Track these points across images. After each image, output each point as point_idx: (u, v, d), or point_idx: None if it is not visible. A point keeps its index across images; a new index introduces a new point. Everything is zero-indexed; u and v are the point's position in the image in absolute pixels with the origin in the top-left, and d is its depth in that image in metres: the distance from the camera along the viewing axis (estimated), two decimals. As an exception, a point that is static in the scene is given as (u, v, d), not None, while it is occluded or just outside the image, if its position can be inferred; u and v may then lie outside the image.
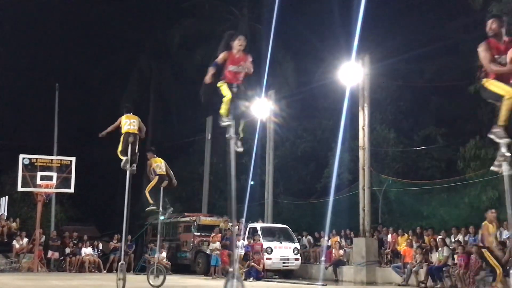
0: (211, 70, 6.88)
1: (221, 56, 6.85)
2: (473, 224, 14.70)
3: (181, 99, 29.21)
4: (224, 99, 6.80)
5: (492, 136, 5.62)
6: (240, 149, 6.95)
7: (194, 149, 27.34)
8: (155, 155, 11.62)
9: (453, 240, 14.29)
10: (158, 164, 11.38)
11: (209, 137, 24.17)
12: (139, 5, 29.82)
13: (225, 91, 6.79)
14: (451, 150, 19.50)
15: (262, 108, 19.37)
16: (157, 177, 11.24)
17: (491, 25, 5.94)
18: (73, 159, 19.38)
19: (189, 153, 27.81)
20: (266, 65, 18.26)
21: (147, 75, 30.75)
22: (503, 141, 5.45)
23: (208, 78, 6.92)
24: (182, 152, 27.30)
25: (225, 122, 6.80)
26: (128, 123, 10.27)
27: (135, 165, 10.08)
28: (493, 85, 5.63)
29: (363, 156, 16.24)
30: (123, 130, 10.22)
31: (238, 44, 6.81)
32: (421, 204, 18.64)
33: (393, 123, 21.43)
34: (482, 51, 5.69)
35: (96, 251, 19.70)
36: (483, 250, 11.75)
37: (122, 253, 11.09)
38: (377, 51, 18.64)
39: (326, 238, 18.02)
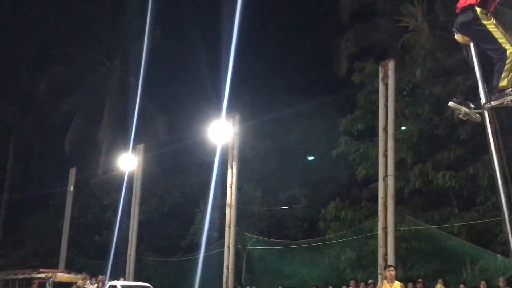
0: None
1: None
2: (332, 284, 15.15)
3: (44, 149, 28.12)
4: None
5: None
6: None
7: (55, 201, 26.22)
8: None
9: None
10: None
11: (72, 190, 23.30)
12: (5, 50, 28.62)
13: None
14: (314, 210, 20.14)
15: (130, 161, 19.05)
16: None
17: None
18: None
19: (48, 205, 26.63)
20: (134, 118, 18.11)
21: (8, 123, 29.39)
22: None
23: None
24: (42, 205, 26.09)
25: None
26: None
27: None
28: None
29: (230, 214, 16.37)
30: None
31: None
32: (283, 263, 18.96)
33: (260, 182, 21.86)
34: None
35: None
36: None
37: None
38: (247, 111, 19.12)
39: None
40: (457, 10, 5.98)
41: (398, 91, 14.80)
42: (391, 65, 13.43)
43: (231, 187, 16.56)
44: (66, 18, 27.75)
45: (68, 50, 28.40)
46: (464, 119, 6.12)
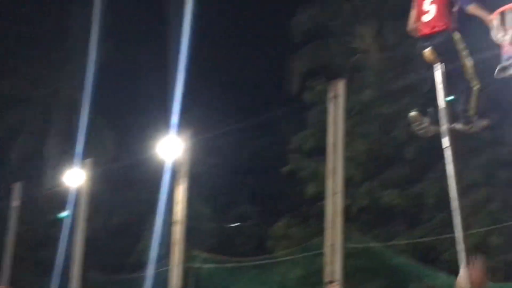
0: None
1: None
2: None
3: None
4: None
5: None
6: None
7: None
8: None
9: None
10: None
11: (16, 205, 22.68)
12: None
13: None
14: (263, 228, 20.17)
15: (77, 176, 18.69)
16: None
17: None
18: None
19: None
20: (82, 132, 17.85)
21: None
22: None
23: None
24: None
25: None
26: None
27: None
28: None
29: (177, 231, 16.22)
30: None
31: None
32: (232, 281, 18.87)
33: (210, 199, 21.77)
34: None
35: None
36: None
37: None
38: (199, 126, 19.04)
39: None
40: (424, 33, 6.17)
41: (347, 110, 15.02)
42: (341, 84, 13.59)
43: (179, 203, 16.43)
44: (12, 30, 27.21)
45: (14, 63, 27.81)
46: (420, 132, 6.32)
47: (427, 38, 6.23)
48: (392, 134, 16.56)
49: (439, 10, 6.16)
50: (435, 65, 6.28)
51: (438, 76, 6.25)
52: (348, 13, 20.19)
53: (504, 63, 5.60)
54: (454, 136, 6.24)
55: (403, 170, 16.27)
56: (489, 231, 14.17)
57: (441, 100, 6.25)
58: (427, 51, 6.16)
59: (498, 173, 15.41)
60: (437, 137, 16.28)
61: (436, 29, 6.19)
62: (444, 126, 6.19)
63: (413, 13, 6.50)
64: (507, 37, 5.67)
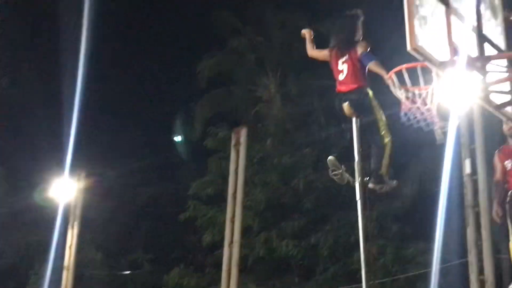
0: None
1: None
2: None
3: None
4: None
5: None
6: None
7: None
8: None
9: None
10: None
11: None
12: None
13: None
14: (157, 276, 19.65)
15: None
16: None
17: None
18: None
19: None
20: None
21: None
22: None
23: None
24: None
25: None
26: None
27: None
28: None
29: (67, 277, 15.50)
30: None
31: None
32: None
33: (103, 245, 21.02)
34: None
35: None
36: None
37: None
38: (94, 169, 18.49)
39: None
40: (341, 90, 6.41)
41: (249, 158, 15.10)
42: (243, 132, 13.67)
43: (70, 248, 15.75)
44: None
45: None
46: (335, 177, 6.49)
47: (345, 94, 6.52)
48: (291, 184, 16.76)
49: (349, 70, 6.46)
50: (353, 119, 6.52)
51: (354, 130, 6.46)
52: (252, 63, 20.52)
53: (404, 119, 5.77)
54: (364, 189, 6.43)
55: (300, 221, 16.43)
56: (382, 283, 14.47)
57: (356, 153, 6.43)
58: (345, 106, 6.45)
59: (390, 226, 15.87)
60: (335, 189, 16.65)
61: (351, 87, 6.47)
62: (357, 180, 6.37)
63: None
64: (403, 95, 5.86)
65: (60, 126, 18.22)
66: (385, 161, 6.27)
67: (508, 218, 6.86)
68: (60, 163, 16.01)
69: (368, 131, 6.52)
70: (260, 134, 18.53)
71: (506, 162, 6.90)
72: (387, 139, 6.33)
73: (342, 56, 6.64)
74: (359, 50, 6.50)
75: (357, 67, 6.51)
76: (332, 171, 6.66)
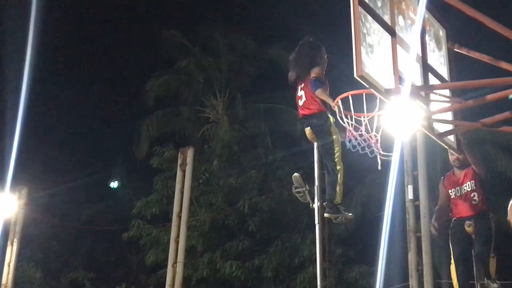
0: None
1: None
2: None
3: None
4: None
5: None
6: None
7: None
8: None
9: None
10: None
11: None
12: None
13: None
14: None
15: None
16: None
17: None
18: None
19: None
20: None
21: None
22: None
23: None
24: None
25: None
26: None
27: None
28: None
29: (4, 296, 14.93)
30: None
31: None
32: None
33: (42, 262, 20.42)
34: None
35: None
36: None
37: None
38: (36, 185, 18.01)
39: None
40: (303, 114, 6.48)
41: (195, 179, 15.01)
42: (190, 152, 13.57)
43: (9, 265, 15.22)
44: None
45: None
46: (298, 194, 6.53)
47: (307, 118, 6.58)
48: (236, 205, 16.71)
49: (307, 95, 6.55)
50: (314, 144, 6.58)
51: (315, 154, 6.52)
52: (201, 83, 20.48)
53: (349, 146, 5.81)
54: (323, 213, 6.52)
55: (244, 242, 16.36)
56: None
57: (316, 177, 6.49)
58: (307, 131, 6.52)
59: (333, 249, 15.95)
60: (279, 211, 16.66)
61: (310, 111, 6.54)
62: (317, 204, 6.43)
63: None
64: (348, 122, 5.90)
65: (1, 142, 17.72)
66: (339, 189, 6.31)
67: (450, 243, 7.02)
68: (1, 178, 15.50)
69: (324, 155, 6.57)
70: (206, 155, 18.47)
71: (450, 191, 7.07)
72: (339, 167, 6.37)
73: (301, 82, 6.73)
74: (311, 76, 6.59)
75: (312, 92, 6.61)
76: (295, 188, 6.69)
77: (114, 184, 24.02)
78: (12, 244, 15.46)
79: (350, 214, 6.72)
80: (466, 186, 6.96)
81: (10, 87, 17.15)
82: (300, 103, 6.74)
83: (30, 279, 19.47)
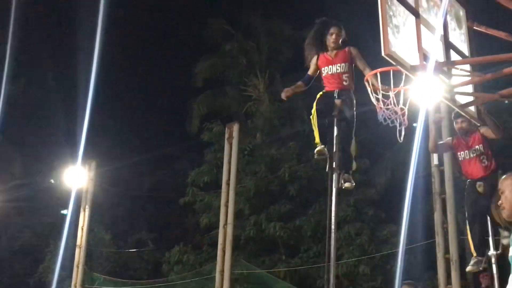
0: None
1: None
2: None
3: None
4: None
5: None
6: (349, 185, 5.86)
7: None
8: None
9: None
10: None
11: None
12: None
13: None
14: (159, 253, 19.61)
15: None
16: None
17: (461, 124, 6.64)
18: None
19: None
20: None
21: None
22: None
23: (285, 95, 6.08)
24: None
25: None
26: None
27: None
28: None
29: (79, 255, 15.40)
30: None
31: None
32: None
33: (111, 226, 20.96)
34: None
35: None
36: None
37: None
38: (103, 158, 18.39)
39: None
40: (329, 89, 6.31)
41: (240, 151, 15.07)
42: (235, 127, 13.62)
43: (82, 229, 15.65)
44: None
45: None
46: (321, 157, 6.46)
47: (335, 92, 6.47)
48: (278, 173, 16.76)
49: (338, 71, 6.45)
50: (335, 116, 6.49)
51: (335, 126, 6.45)
52: (243, 65, 20.47)
53: (380, 118, 5.68)
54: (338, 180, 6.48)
55: (286, 205, 16.43)
56: (359, 260, 14.52)
57: (335, 147, 6.45)
58: (338, 102, 6.43)
59: (366, 210, 15.89)
60: (316, 178, 16.55)
61: (339, 87, 6.45)
62: (335, 173, 6.43)
63: None
64: (379, 96, 5.76)
65: (74, 121, 18.13)
66: (353, 148, 6.31)
67: (465, 204, 6.93)
68: (74, 153, 15.91)
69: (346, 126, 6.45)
70: (250, 129, 18.51)
71: (459, 153, 6.98)
72: (355, 138, 6.34)
73: (332, 61, 6.54)
74: (352, 53, 6.42)
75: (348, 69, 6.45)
76: (320, 158, 6.66)
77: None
78: (84, 210, 15.88)
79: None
80: (475, 149, 6.84)
81: (82, 70, 17.45)
82: (328, 79, 6.56)
83: (101, 240, 20.01)
